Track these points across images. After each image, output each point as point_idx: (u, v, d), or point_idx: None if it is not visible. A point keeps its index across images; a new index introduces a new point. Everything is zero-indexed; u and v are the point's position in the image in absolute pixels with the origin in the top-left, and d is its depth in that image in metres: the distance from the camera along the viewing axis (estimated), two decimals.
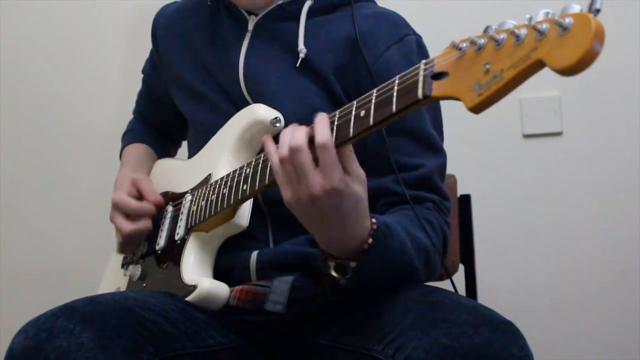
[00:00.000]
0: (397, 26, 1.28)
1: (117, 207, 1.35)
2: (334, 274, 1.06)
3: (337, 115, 1.00)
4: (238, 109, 1.27)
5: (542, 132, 1.93)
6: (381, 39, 1.25)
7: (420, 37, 1.29)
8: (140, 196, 1.37)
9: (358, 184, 1.00)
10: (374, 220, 1.04)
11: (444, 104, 1.28)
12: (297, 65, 1.25)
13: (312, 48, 1.26)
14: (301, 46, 1.26)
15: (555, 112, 1.92)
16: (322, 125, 0.98)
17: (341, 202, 0.98)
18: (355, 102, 0.98)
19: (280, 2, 1.29)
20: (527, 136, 1.94)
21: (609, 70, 1.89)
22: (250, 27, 1.31)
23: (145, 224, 1.33)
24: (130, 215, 1.33)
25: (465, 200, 1.64)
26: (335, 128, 0.99)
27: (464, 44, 0.84)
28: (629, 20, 1.88)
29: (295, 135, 0.99)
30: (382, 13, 1.31)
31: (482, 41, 0.82)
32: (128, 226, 1.33)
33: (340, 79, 1.25)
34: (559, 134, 1.93)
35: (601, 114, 1.91)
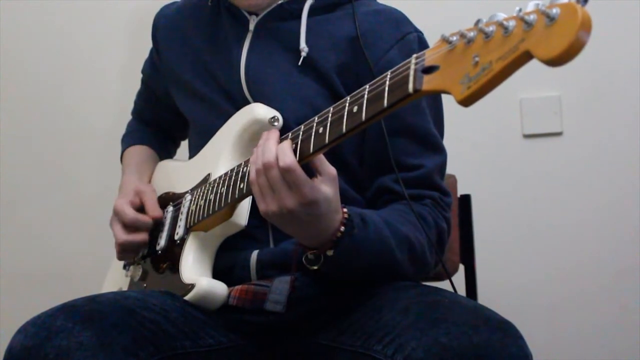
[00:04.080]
0: (398, 24, 1.28)
1: (116, 215, 1.35)
2: (310, 266, 1.10)
3: (330, 112, 1.01)
4: (238, 109, 1.27)
5: (542, 132, 1.93)
6: (382, 38, 1.25)
7: (422, 34, 1.29)
8: (142, 207, 1.36)
9: (327, 184, 1.04)
10: (345, 210, 1.08)
11: (445, 104, 1.29)
12: (299, 64, 1.26)
13: (314, 47, 1.26)
14: (303, 45, 1.26)
15: (555, 112, 1.92)
16: (284, 149, 1.03)
17: (317, 209, 1.03)
18: (348, 98, 0.99)
19: (280, 1, 1.29)
20: (527, 136, 1.94)
21: (609, 70, 1.89)
22: (252, 27, 1.31)
23: (141, 236, 1.32)
24: (128, 226, 1.33)
25: (465, 200, 1.64)
26: (329, 125, 1.00)
27: (454, 37, 0.84)
28: (629, 20, 1.88)
29: (266, 150, 1.04)
30: (382, 11, 1.31)
31: (471, 34, 0.82)
32: (123, 236, 1.33)
33: (342, 77, 1.25)
34: (559, 134, 1.93)
35: (601, 114, 1.92)
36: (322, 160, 1.05)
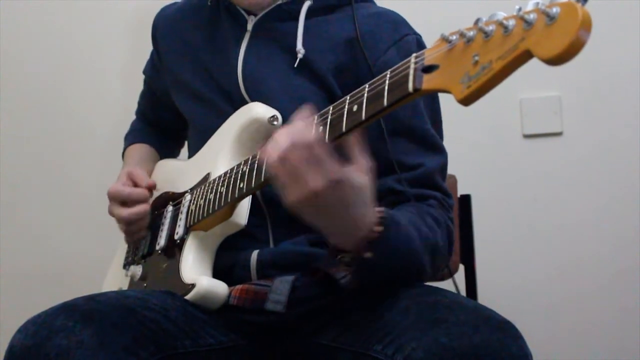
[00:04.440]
0: (396, 26, 1.28)
1: (112, 198, 1.36)
2: (344, 268, 1.07)
3: (330, 111, 1.01)
4: (237, 109, 1.27)
5: (542, 132, 1.94)
6: (381, 40, 1.25)
7: (420, 37, 1.30)
8: (136, 185, 1.38)
9: (360, 173, 0.99)
10: (380, 208, 1.03)
11: (444, 104, 1.29)
12: (295, 65, 1.26)
13: (311, 48, 1.26)
14: (299, 46, 1.26)
15: (555, 112, 1.92)
16: (302, 125, 0.98)
17: (343, 193, 0.97)
18: (348, 97, 0.99)
19: (279, 2, 1.30)
20: (527, 136, 1.94)
21: (609, 70, 1.89)
22: (250, 27, 1.31)
23: (141, 207, 1.34)
24: (127, 203, 1.35)
25: (465, 200, 1.64)
26: (328, 123, 0.99)
27: (454, 37, 0.84)
28: (629, 20, 1.88)
29: (289, 134, 0.99)
30: (381, 13, 1.31)
31: (471, 33, 0.82)
32: (125, 212, 1.34)
33: (339, 79, 1.25)
34: (559, 134, 1.93)
35: (601, 114, 1.92)
36: (357, 150, 1.00)
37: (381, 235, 1.02)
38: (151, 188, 1.37)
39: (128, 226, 1.36)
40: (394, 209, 1.18)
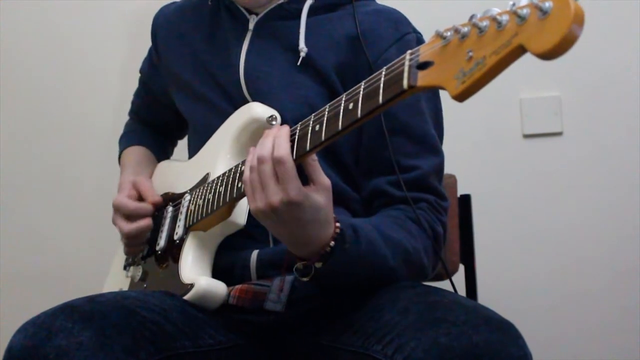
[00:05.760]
0: (397, 24, 1.28)
1: (117, 210, 1.36)
2: (298, 275, 1.10)
3: (327, 109, 1.01)
4: (237, 109, 1.27)
5: (542, 132, 1.94)
6: (382, 38, 1.25)
7: (421, 35, 1.30)
8: (140, 198, 1.37)
9: (320, 194, 1.04)
10: (338, 224, 1.08)
11: (444, 104, 1.29)
12: (298, 64, 1.26)
13: (313, 47, 1.26)
14: (302, 45, 1.26)
15: (555, 112, 1.92)
16: (280, 139, 1.02)
17: (300, 213, 1.02)
18: (344, 95, 0.99)
19: (280, 1, 1.29)
20: (527, 136, 1.94)
21: (609, 70, 1.89)
22: (251, 26, 1.31)
23: (145, 222, 1.33)
24: (130, 216, 1.34)
25: (465, 200, 1.64)
26: (325, 122, 1.00)
27: (449, 33, 0.84)
28: (629, 20, 1.88)
29: (263, 145, 1.03)
30: (382, 11, 1.31)
31: (465, 29, 0.82)
32: (127, 226, 1.33)
33: (341, 77, 1.25)
34: (559, 134, 1.93)
35: (601, 114, 1.92)
36: (317, 170, 1.05)
37: (332, 249, 1.06)
38: (157, 205, 1.35)
39: (130, 240, 1.35)
40: (376, 213, 1.22)
